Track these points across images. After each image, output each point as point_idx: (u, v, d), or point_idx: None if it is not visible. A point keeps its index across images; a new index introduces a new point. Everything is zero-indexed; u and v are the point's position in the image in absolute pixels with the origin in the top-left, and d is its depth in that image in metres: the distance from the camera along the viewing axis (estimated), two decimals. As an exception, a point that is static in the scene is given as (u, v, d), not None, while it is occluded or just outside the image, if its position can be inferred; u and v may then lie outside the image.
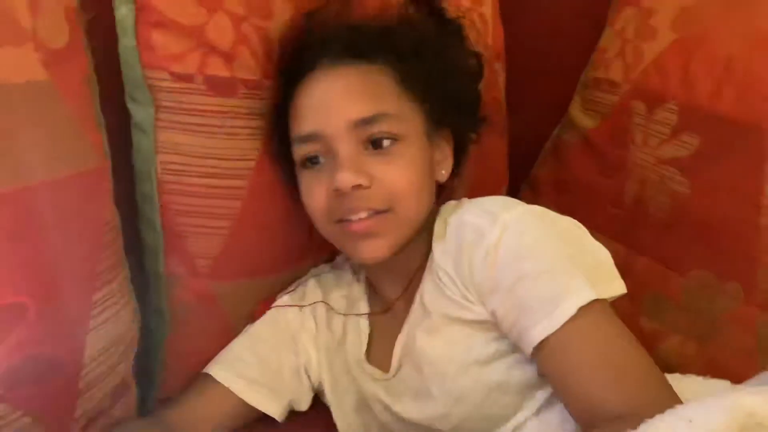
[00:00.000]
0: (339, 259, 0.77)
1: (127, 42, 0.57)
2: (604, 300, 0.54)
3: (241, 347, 0.69)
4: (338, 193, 0.60)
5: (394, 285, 0.67)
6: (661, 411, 0.42)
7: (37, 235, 0.48)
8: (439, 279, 0.61)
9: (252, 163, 0.65)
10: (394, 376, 0.65)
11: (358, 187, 0.59)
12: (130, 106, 0.60)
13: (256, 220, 0.67)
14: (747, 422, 0.39)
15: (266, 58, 0.64)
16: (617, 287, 0.57)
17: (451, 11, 0.70)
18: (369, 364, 0.67)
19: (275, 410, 0.68)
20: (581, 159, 0.83)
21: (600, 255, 0.59)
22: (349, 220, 0.60)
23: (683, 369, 0.71)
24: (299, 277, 0.75)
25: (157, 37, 0.57)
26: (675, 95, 0.73)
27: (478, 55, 0.72)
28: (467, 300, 0.58)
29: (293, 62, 0.64)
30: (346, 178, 0.58)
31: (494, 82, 0.85)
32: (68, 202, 0.51)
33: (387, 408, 0.65)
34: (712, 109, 0.70)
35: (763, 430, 0.40)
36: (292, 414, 0.71)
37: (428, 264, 0.63)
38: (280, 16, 0.64)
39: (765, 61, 0.67)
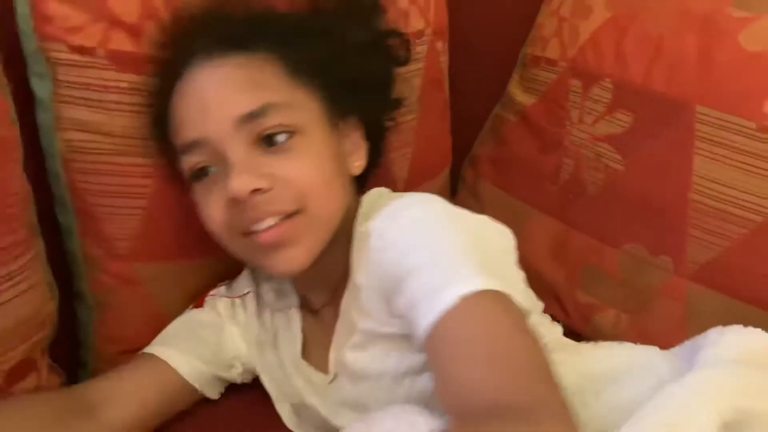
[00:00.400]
0: None
1: (22, 10, 0.54)
2: (497, 293, 0.47)
3: (178, 327, 0.67)
4: (236, 203, 0.53)
5: (319, 293, 0.62)
6: (539, 406, 0.40)
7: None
8: (358, 292, 0.55)
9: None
10: (330, 383, 0.61)
11: (257, 191, 0.52)
12: (32, 80, 0.57)
13: (170, 199, 0.64)
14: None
15: None
16: (513, 286, 0.49)
17: None
18: (306, 363, 0.63)
19: (210, 390, 0.66)
20: (519, 136, 0.84)
21: (504, 254, 0.55)
22: (256, 231, 0.54)
23: (616, 340, 0.75)
24: (234, 265, 0.70)
25: (55, 7, 0.54)
26: (609, 73, 0.74)
27: (396, 35, 0.67)
28: (385, 313, 0.53)
29: (166, 62, 0.59)
30: (240, 184, 0.52)
31: (435, 62, 0.84)
32: None
33: (326, 422, 0.61)
34: (645, 87, 0.72)
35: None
36: (233, 391, 0.69)
37: (352, 266, 0.57)
38: None
39: (693, 40, 0.69)
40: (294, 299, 0.65)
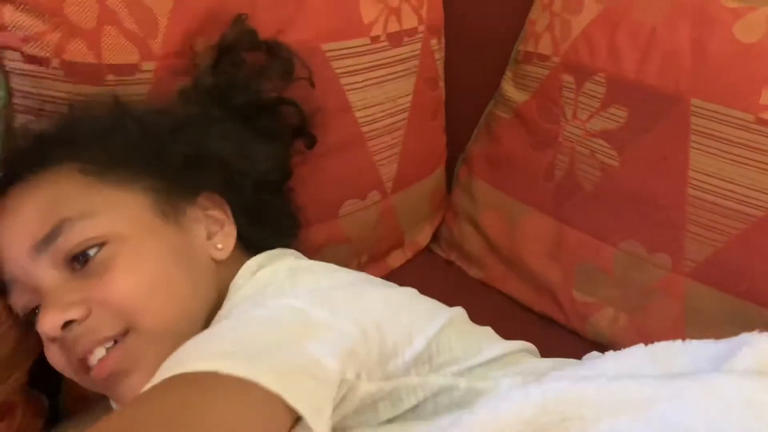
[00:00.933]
0: None
1: None
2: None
3: None
4: (56, 341, 0.48)
5: None
6: None
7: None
8: None
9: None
10: None
11: (72, 323, 0.47)
12: None
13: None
14: None
15: (146, 36, 0.57)
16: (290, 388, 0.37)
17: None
18: None
19: None
20: (513, 133, 0.83)
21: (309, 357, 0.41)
22: (90, 366, 0.47)
23: (615, 339, 0.74)
24: None
25: (9, 14, 0.52)
26: (603, 67, 0.73)
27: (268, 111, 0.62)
28: None
29: None
30: (48, 321, 0.46)
31: (430, 60, 0.83)
32: None
33: None
34: (638, 81, 0.70)
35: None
36: None
37: None
38: None
39: (687, 32, 0.68)
40: None
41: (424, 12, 0.78)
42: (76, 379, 0.50)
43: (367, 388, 0.42)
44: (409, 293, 0.54)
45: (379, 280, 0.56)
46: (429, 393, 0.46)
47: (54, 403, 0.63)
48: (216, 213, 0.56)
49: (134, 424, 0.34)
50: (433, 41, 0.82)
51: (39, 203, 0.49)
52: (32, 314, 0.49)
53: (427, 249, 0.92)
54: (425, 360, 0.46)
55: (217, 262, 0.54)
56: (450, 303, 0.61)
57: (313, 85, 0.65)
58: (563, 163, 0.77)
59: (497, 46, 0.88)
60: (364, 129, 0.74)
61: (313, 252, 0.71)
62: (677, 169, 0.68)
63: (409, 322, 0.47)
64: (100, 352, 0.47)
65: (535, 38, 0.81)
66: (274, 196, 0.63)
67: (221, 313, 0.47)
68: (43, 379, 0.61)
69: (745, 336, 0.48)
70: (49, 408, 0.62)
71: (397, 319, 0.46)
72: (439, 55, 0.85)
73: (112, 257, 0.48)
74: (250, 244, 0.56)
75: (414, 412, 0.46)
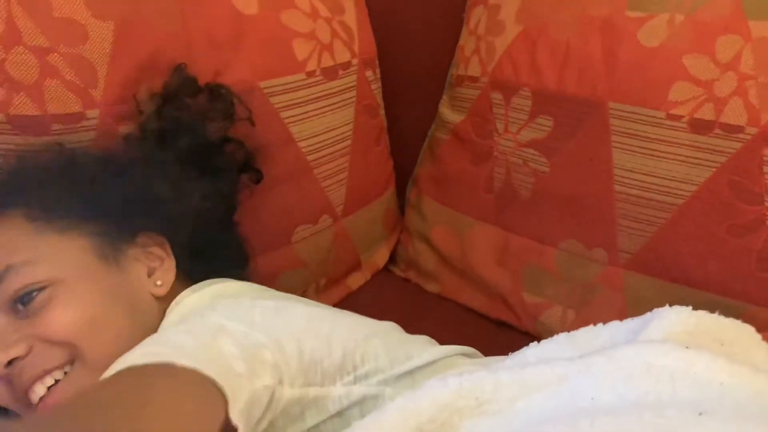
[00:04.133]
0: None
1: None
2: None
3: None
4: (3, 380, 0.50)
5: None
6: None
7: None
8: None
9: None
10: None
11: (16, 360, 0.50)
12: None
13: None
14: None
15: (87, 86, 0.60)
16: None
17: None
18: None
19: None
20: (452, 152, 0.87)
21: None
22: (36, 402, 0.50)
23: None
24: None
25: None
26: (526, 82, 0.78)
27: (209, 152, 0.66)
28: None
29: None
30: None
31: (367, 90, 0.88)
32: None
33: None
34: (560, 91, 0.75)
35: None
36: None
37: None
38: (98, 36, 0.60)
39: (597, 42, 0.73)
40: None
41: (356, 46, 0.83)
42: (23, 414, 0.52)
43: (290, 393, 0.45)
44: (336, 311, 0.57)
45: (311, 301, 0.59)
46: (354, 401, 0.48)
47: None
48: (155, 250, 0.59)
49: (89, 402, 0.37)
50: (369, 72, 0.87)
51: None
52: None
53: (386, 269, 0.95)
54: (349, 370, 0.49)
55: (157, 297, 0.57)
56: (410, 318, 0.64)
57: (253, 123, 0.69)
58: (500, 174, 0.81)
59: (434, 72, 0.94)
60: (309, 158, 0.78)
61: (270, 279, 0.74)
62: (603, 169, 0.73)
63: (329, 333, 0.50)
64: (40, 389, 0.50)
65: (464, 62, 0.86)
66: (218, 230, 0.66)
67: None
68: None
69: (657, 310, 0.52)
70: None
71: (317, 331, 0.49)
72: (376, 85, 0.90)
73: (51, 298, 0.51)
74: (194, 277, 0.59)
75: (341, 420, 0.48)
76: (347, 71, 0.83)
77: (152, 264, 0.58)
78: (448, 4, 0.96)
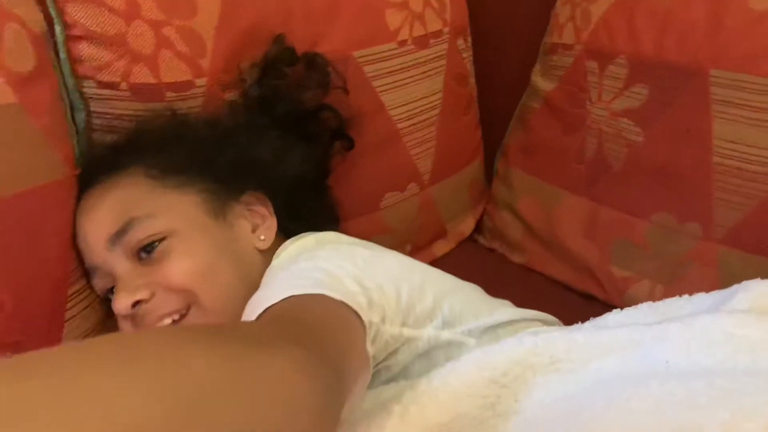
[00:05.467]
0: None
1: (62, 55, 0.61)
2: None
3: None
4: (128, 319, 0.56)
5: None
6: None
7: (9, 240, 0.53)
8: None
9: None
10: None
11: (140, 303, 0.55)
12: (74, 113, 0.63)
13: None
14: None
15: (196, 56, 0.64)
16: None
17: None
18: None
19: None
20: (544, 122, 0.86)
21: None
22: None
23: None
24: None
25: (84, 49, 0.61)
26: (623, 49, 0.76)
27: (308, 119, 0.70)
28: None
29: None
30: (120, 302, 0.55)
31: (457, 59, 0.89)
32: (38, 209, 0.55)
33: None
34: (658, 59, 0.73)
35: None
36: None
37: None
38: (206, 10, 0.64)
39: (701, 7, 0.70)
40: None
41: (447, 15, 0.84)
42: None
43: (390, 332, 0.47)
44: (424, 264, 0.59)
45: (400, 253, 0.60)
46: (440, 345, 0.51)
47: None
48: (258, 208, 0.63)
49: (296, 318, 0.40)
50: (459, 41, 0.87)
51: (112, 203, 0.58)
52: (109, 293, 0.59)
53: (471, 239, 0.96)
54: (437, 316, 0.51)
55: (260, 251, 0.62)
56: (494, 287, 0.64)
57: (347, 92, 0.72)
58: (592, 144, 0.80)
59: (528, 42, 0.92)
60: (399, 126, 0.80)
61: (358, 243, 0.77)
62: (701, 139, 0.70)
63: (421, 281, 0.52)
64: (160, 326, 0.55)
65: (559, 29, 0.85)
66: (313, 193, 0.70)
67: (262, 282, 0.54)
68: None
69: (745, 282, 0.50)
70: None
71: (410, 278, 0.51)
72: (467, 54, 0.90)
73: (170, 249, 0.57)
74: (290, 235, 0.63)
75: (427, 362, 0.50)
76: (438, 40, 0.83)
77: (255, 221, 0.63)
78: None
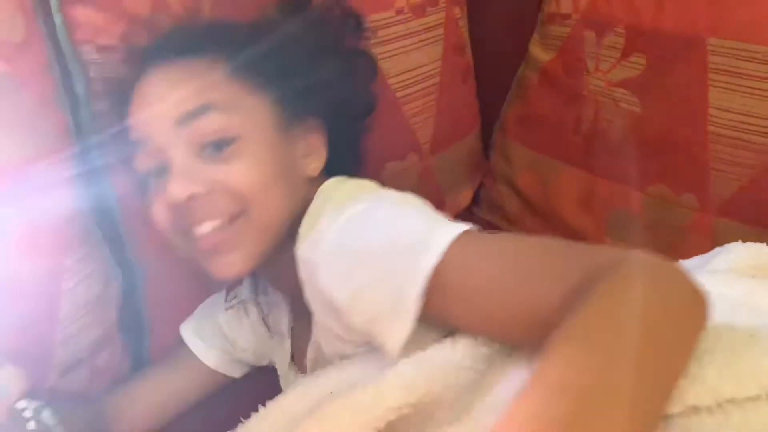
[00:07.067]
0: None
1: (58, 21, 0.61)
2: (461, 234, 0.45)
3: (205, 319, 0.71)
4: (176, 207, 0.54)
5: (283, 304, 0.65)
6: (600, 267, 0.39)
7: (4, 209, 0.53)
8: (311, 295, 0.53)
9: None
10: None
11: (195, 196, 0.53)
12: (73, 80, 0.63)
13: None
14: None
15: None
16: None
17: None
18: (293, 370, 0.65)
19: (235, 371, 0.71)
20: (541, 92, 0.86)
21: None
22: (196, 235, 0.54)
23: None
24: None
25: (81, 13, 0.61)
26: (620, 19, 0.75)
27: (360, 54, 0.68)
28: (340, 330, 0.52)
29: (125, 71, 0.60)
30: (176, 189, 0.52)
31: (454, 28, 0.88)
32: (33, 179, 0.55)
33: None
34: (656, 27, 0.72)
35: None
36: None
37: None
38: None
39: (701, -26, 0.70)
40: (285, 313, 0.66)
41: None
42: (170, 238, 0.56)
43: None
44: None
45: None
46: None
47: (138, 348, 0.72)
48: (315, 137, 0.61)
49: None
50: (456, 9, 0.86)
51: (189, 80, 0.55)
52: (151, 175, 0.56)
53: (468, 211, 0.96)
54: None
55: (307, 179, 0.59)
56: None
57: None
58: (589, 115, 0.79)
59: (525, 12, 0.92)
60: (398, 94, 0.80)
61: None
62: (698, 109, 0.70)
63: None
64: (207, 227, 0.53)
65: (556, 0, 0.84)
66: (356, 134, 0.68)
67: (318, 205, 0.53)
68: (131, 328, 0.71)
69: (727, 245, 0.50)
70: (134, 353, 0.72)
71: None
72: (463, 23, 0.89)
73: (238, 152, 0.54)
74: (329, 171, 0.61)
75: None
76: (435, 8, 0.83)
77: (311, 148, 0.60)
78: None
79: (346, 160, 0.64)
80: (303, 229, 0.52)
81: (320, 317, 0.54)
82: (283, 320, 0.65)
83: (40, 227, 0.57)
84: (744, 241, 0.67)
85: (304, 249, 0.51)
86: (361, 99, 0.67)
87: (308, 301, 0.53)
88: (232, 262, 0.54)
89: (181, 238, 0.55)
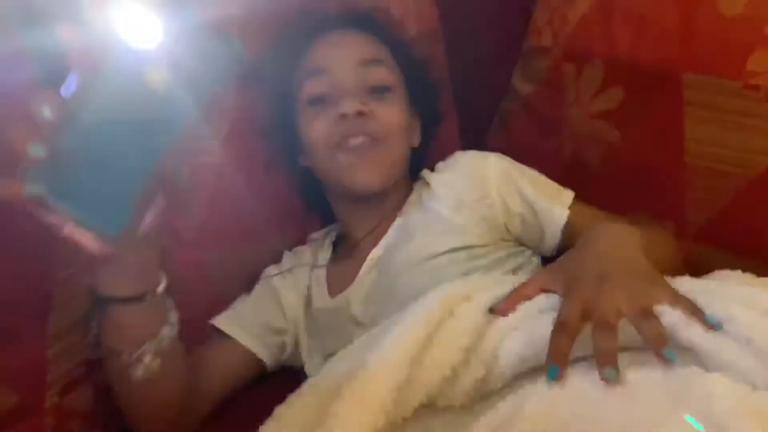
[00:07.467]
0: (313, 234, 0.84)
1: None
2: None
3: (242, 307, 0.75)
4: (342, 119, 0.70)
5: (367, 222, 0.77)
6: None
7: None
8: (432, 194, 0.75)
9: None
10: (365, 276, 0.73)
11: (361, 114, 0.71)
12: None
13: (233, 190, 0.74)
14: None
15: None
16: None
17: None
18: (332, 298, 0.74)
19: (269, 359, 0.73)
20: (523, 124, 0.88)
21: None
22: (349, 144, 0.71)
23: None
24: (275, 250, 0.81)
25: None
26: (599, 53, 0.78)
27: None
28: (453, 204, 0.72)
29: (302, 33, 0.77)
30: (352, 104, 0.70)
31: (438, 63, 0.90)
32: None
33: (342, 313, 0.71)
34: (633, 61, 0.75)
35: None
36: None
37: (407, 204, 0.77)
38: None
39: (674, 12, 0.72)
40: (323, 256, 0.79)
41: (425, 22, 0.85)
42: (321, 149, 0.73)
43: None
44: None
45: None
46: None
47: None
48: (416, 121, 0.82)
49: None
50: (437, 46, 0.89)
51: (371, 44, 0.77)
52: (314, 98, 0.74)
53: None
54: None
55: (410, 146, 0.79)
56: None
57: None
58: (569, 146, 0.82)
59: (506, 47, 0.94)
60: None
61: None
62: (674, 140, 0.72)
63: None
64: (360, 139, 0.72)
65: (537, 33, 0.87)
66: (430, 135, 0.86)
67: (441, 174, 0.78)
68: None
69: (718, 271, 0.52)
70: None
71: None
72: (442, 58, 0.93)
73: (392, 99, 0.75)
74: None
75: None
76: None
77: (414, 128, 0.81)
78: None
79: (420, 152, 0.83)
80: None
81: (438, 202, 0.74)
82: (322, 256, 0.79)
83: (32, 240, 0.55)
84: (720, 267, 0.70)
85: (462, 155, 0.78)
86: (436, 113, 0.87)
87: (436, 192, 0.75)
88: (372, 173, 0.72)
89: (333, 149, 0.72)
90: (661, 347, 0.44)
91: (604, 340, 0.46)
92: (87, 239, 0.44)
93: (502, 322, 0.53)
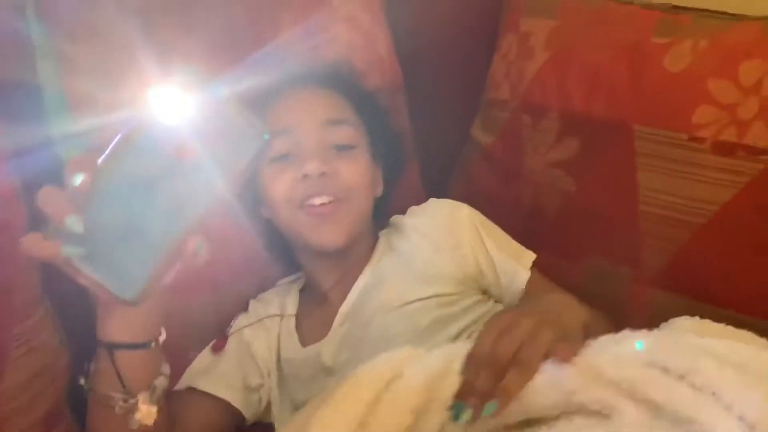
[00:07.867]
0: (280, 281, 0.84)
1: None
2: None
3: (210, 362, 0.73)
4: (305, 179, 0.70)
5: (335, 273, 0.77)
6: None
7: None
8: (410, 244, 0.76)
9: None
10: (339, 326, 0.73)
11: (323, 174, 0.70)
12: None
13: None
14: None
15: None
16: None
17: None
18: (304, 348, 0.73)
19: (250, 415, 0.72)
20: (483, 172, 0.90)
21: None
22: (312, 205, 0.71)
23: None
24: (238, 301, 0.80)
25: None
26: (555, 105, 0.81)
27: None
28: (430, 254, 0.74)
29: (266, 89, 0.75)
30: (316, 165, 0.70)
31: (400, 113, 0.93)
32: None
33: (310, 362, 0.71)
34: (587, 114, 0.78)
35: None
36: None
37: (377, 251, 0.78)
38: None
39: (625, 67, 0.76)
40: (291, 306, 0.78)
41: (387, 74, 0.88)
42: (284, 209, 0.72)
43: None
44: None
45: None
46: None
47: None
48: (379, 173, 0.81)
49: None
50: (398, 95, 0.92)
51: (334, 103, 0.76)
52: (278, 156, 0.72)
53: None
54: None
55: (372, 199, 0.79)
56: None
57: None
58: (528, 194, 0.84)
59: (467, 97, 0.97)
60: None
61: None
62: (628, 188, 0.75)
63: None
64: (323, 199, 0.71)
65: (496, 86, 0.90)
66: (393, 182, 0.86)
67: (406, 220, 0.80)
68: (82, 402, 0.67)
69: (672, 320, 0.54)
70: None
71: None
72: (404, 109, 0.94)
73: (355, 157, 0.75)
74: None
75: None
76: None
77: (378, 178, 0.81)
78: (479, 31, 1.00)
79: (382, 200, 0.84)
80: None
81: (412, 247, 0.75)
82: (290, 305, 0.79)
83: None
84: (677, 310, 0.73)
85: (436, 202, 0.81)
86: (400, 162, 0.89)
87: (410, 238, 0.77)
88: (336, 231, 0.72)
89: (295, 208, 0.72)
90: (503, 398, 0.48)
91: (489, 378, 0.49)
92: (105, 296, 0.45)
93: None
